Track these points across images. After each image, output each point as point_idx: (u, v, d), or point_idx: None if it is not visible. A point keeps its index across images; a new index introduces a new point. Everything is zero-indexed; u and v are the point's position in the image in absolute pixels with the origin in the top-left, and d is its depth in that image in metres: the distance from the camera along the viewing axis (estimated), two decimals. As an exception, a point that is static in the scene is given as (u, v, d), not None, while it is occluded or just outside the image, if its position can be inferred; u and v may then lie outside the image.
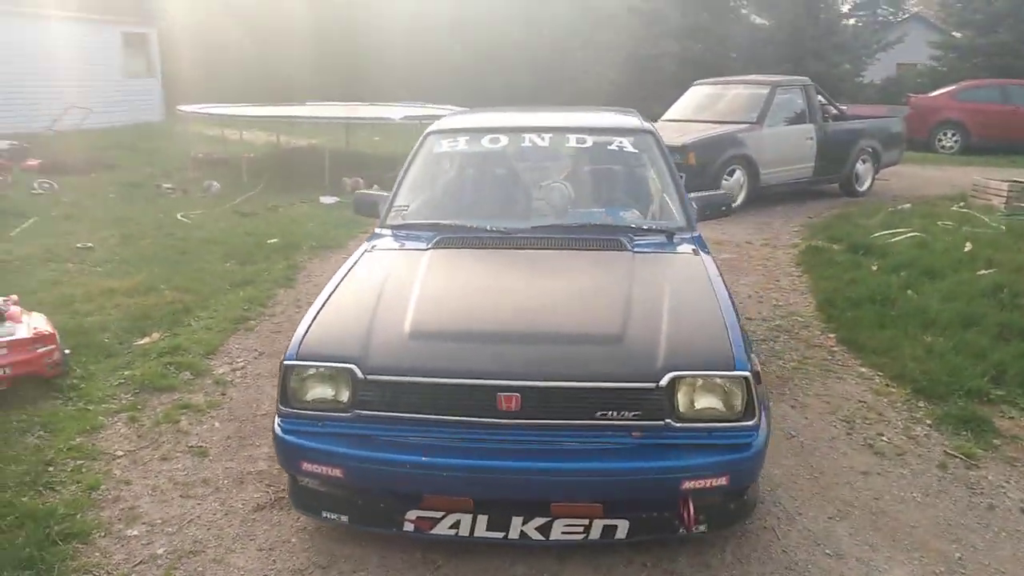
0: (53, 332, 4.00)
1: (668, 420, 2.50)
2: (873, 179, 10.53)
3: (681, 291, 2.98)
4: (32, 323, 4.02)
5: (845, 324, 5.03)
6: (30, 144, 12.46)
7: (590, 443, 2.52)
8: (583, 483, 2.51)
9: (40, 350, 3.86)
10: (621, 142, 3.97)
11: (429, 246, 3.41)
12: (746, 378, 2.50)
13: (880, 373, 4.35)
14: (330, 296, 3.00)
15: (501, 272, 3.25)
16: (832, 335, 4.94)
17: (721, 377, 2.51)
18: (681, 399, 2.51)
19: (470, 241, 3.47)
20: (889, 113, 11.51)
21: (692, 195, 3.86)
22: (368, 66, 20.35)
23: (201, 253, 6.86)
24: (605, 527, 2.60)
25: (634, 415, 2.50)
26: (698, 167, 8.58)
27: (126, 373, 4.17)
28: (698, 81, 10.97)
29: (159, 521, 2.92)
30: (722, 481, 2.50)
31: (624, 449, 2.51)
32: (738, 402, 2.53)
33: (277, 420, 2.67)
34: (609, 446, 2.52)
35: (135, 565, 2.66)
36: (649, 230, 3.58)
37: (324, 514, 2.73)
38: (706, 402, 2.53)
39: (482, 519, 2.60)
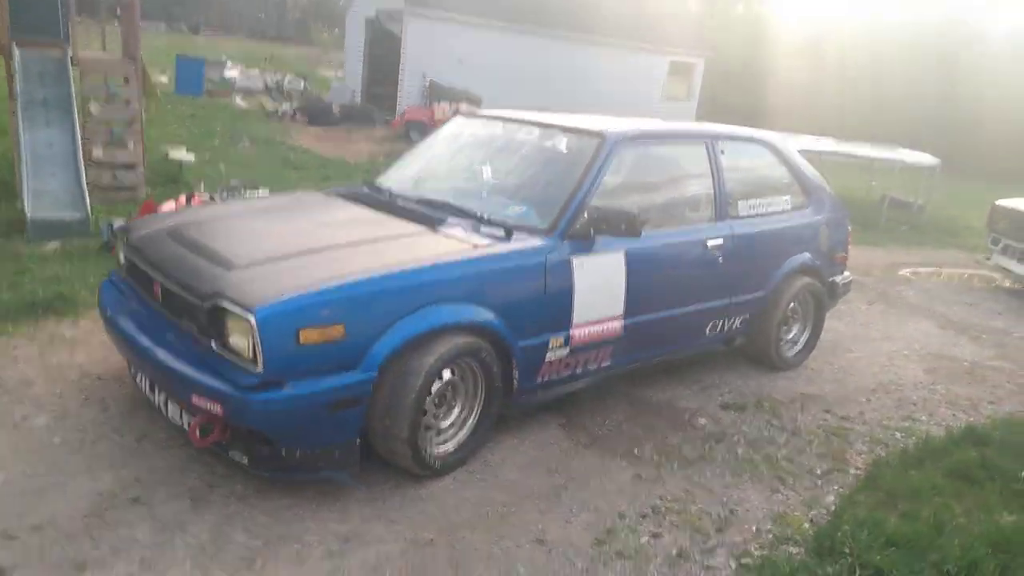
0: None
1: (212, 342, 2.70)
2: None
3: (380, 257, 2.93)
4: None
5: (914, 459, 3.53)
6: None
7: (180, 341, 2.87)
8: (156, 370, 2.87)
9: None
10: (556, 142, 3.73)
11: (331, 195, 3.93)
12: (251, 323, 2.52)
13: (825, 511, 3.09)
14: None
15: (315, 218, 3.54)
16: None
17: (239, 315, 2.57)
18: (230, 327, 2.66)
19: (356, 196, 3.84)
20: None
21: (597, 205, 3.41)
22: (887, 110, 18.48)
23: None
24: (187, 420, 2.90)
25: (198, 328, 2.77)
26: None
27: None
28: None
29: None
30: (216, 408, 2.59)
31: (185, 351, 2.80)
32: (247, 345, 2.56)
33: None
34: (187, 348, 2.83)
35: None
36: (492, 222, 3.38)
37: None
38: (237, 340, 2.62)
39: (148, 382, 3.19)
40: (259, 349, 2.52)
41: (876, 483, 3.27)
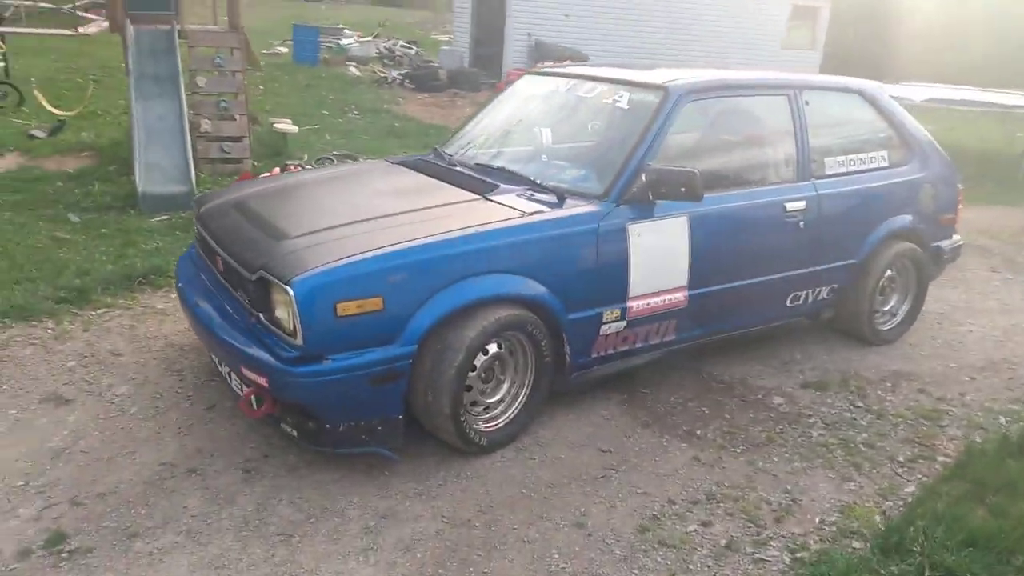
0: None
1: (260, 314, 2.77)
2: None
3: (426, 227, 2.89)
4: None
5: (1015, 447, 3.19)
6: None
7: (239, 314, 2.96)
8: (213, 341, 2.96)
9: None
10: (619, 97, 3.54)
11: (392, 162, 3.94)
12: (290, 295, 2.55)
13: (902, 503, 2.84)
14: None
15: (374, 187, 3.57)
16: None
17: (278, 286, 2.61)
18: (275, 300, 2.71)
19: (417, 164, 3.82)
20: None
21: (656, 167, 3.22)
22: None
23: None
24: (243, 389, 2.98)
25: (250, 301, 2.85)
26: None
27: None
28: None
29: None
30: (262, 380, 2.66)
31: (241, 324, 2.88)
32: (288, 317, 2.60)
33: None
34: (243, 321, 2.91)
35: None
36: (545, 188, 3.28)
37: None
38: (281, 312, 2.67)
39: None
40: (298, 322, 2.56)
41: (965, 473, 2.99)
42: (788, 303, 3.84)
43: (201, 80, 7.57)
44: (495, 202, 3.19)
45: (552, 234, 3.03)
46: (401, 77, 16.22)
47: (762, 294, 3.70)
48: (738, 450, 3.15)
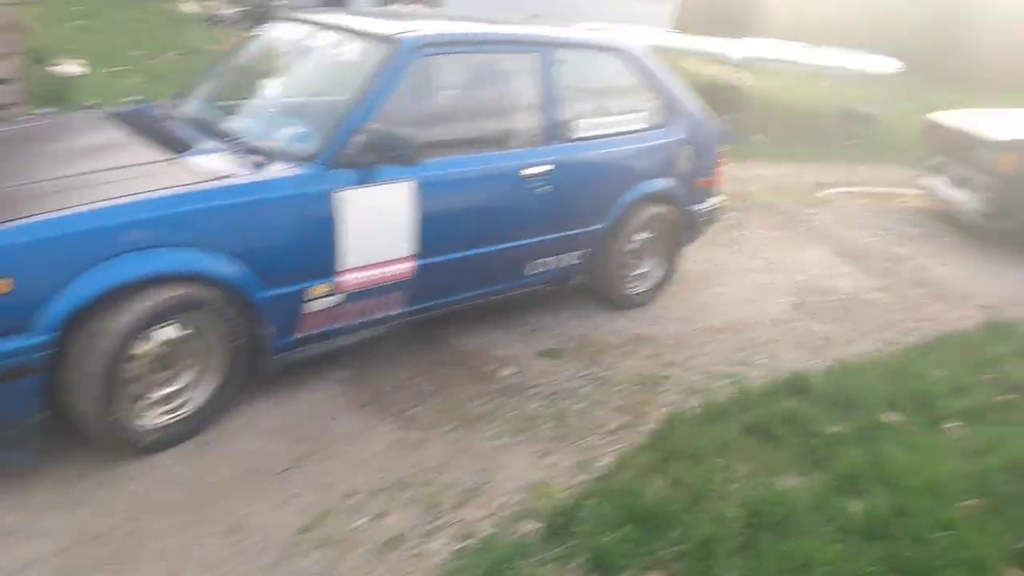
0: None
1: None
2: None
3: (79, 194, 2.57)
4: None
5: (718, 412, 3.23)
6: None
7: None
8: None
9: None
10: (349, 49, 3.37)
11: (108, 115, 3.55)
12: None
13: (595, 477, 2.82)
14: None
15: (66, 145, 3.19)
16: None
17: None
18: None
19: (126, 116, 3.48)
20: None
21: (376, 128, 2.98)
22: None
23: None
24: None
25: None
26: (1015, 181, 5.70)
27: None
28: None
29: None
30: None
31: None
32: None
33: None
34: None
35: None
36: (251, 147, 3.02)
37: None
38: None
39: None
40: None
41: (662, 442, 2.99)
42: (528, 271, 3.74)
43: (-43, 17, 6.69)
44: (185, 164, 2.89)
45: (239, 202, 2.76)
46: (241, 14, 15.15)
47: (499, 262, 3.58)
48: (447, 428, 3.05)
